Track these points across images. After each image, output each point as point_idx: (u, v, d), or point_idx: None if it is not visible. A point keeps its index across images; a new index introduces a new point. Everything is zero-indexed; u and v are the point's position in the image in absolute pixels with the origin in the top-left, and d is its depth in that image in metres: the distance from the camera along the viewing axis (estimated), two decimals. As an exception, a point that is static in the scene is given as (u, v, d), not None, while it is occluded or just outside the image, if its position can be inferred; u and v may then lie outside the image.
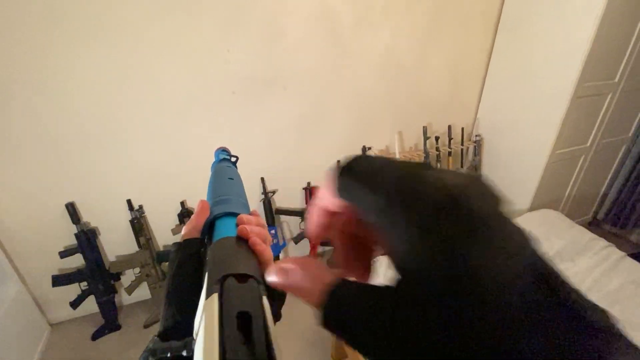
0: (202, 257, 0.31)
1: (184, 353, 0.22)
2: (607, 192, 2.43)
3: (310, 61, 1.72)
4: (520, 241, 0.14)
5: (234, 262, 0.25)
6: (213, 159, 0.51)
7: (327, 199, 0.19)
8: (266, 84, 1.69)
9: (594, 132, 2.00)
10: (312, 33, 1.67)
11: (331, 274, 0.17)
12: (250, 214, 0.34)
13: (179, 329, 0.26)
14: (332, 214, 0.20)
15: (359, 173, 0.17)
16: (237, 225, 0.31)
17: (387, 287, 0.15)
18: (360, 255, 0.21)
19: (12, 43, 1.26)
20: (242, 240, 0.29)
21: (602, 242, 1.62)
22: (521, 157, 2.07)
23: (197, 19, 1.46)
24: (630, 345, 0.12)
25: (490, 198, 0.15)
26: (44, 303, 1.74)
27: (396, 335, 0.13)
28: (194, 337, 0.21)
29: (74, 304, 1.65)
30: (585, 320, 0.12)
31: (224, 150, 0.53)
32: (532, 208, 2.04)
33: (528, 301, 0.12)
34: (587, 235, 1.66)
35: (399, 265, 0.15)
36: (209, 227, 0.33)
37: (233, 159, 0.51)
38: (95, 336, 1.70)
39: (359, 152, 2.05)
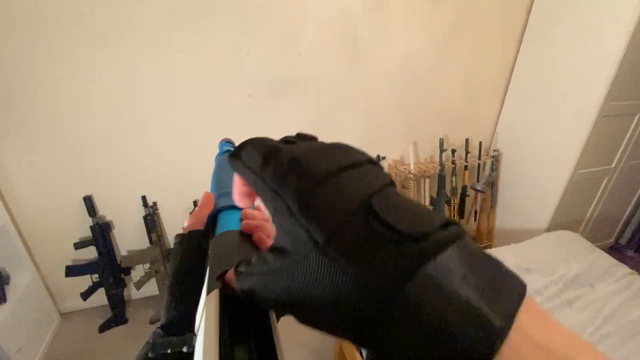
0: (205, 250, 0.31)
1: (185, 349, 0.22)
2: (631, 216, 2.32)
3: (326, 68, 1.73)
4: (360, 182, 0.16)
5: (236, 257, 0.25)
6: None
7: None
8: (282, 89, 1.71)
9: (619, 152, 1.93)
10: (330, 40, 1.67)
11: None
12: (255, 208, 0.33)
13: (182, 323, 0.26)
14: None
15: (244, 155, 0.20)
16: (241, 219, 0.30)
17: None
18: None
19: (38, 44, 1.32)
20: (246, 235, 0.28)
21: (624, 268, 1.54)
22: (541, 175, 2.01)
23: (218, 24, 1.49)
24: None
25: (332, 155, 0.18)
26: (56, 292, 1.78)
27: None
28: (195, 333, 0.20)
29: (85, 295, 1.69)
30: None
31: (228, 141, 0.50)
32: (550, 229, 1.97)
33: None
34: (608, 260, 1.59)
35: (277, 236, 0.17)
36: (213, 219, 0.33)
37: None
38: (103, 328, 1.73)
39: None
